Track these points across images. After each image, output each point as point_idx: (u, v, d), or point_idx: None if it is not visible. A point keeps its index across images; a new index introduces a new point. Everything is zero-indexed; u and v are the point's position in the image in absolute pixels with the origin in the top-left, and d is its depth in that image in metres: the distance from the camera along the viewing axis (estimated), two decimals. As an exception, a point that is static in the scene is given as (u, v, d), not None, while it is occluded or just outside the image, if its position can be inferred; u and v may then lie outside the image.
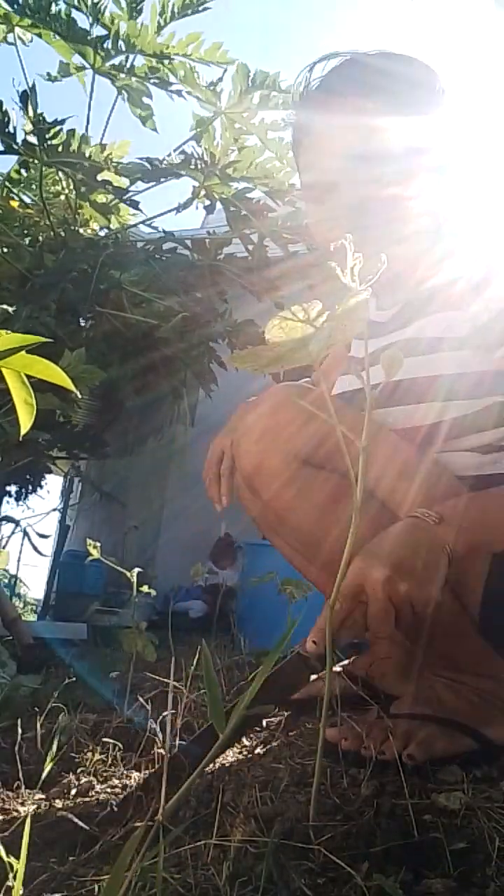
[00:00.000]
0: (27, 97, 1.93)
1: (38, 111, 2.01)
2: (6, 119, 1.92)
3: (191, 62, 2.07)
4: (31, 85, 2.06)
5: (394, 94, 0.87)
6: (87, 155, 2.06)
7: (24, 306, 1.76)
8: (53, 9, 1.98)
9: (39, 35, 2.08)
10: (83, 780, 0.87)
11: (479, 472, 0.87)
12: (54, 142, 1.95)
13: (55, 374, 0.44)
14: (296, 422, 0.86)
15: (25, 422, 0.46)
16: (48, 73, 2.21)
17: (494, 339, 0.83)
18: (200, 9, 2.05)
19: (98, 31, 2.06)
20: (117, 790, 0.83)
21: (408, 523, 0.76)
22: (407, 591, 0.69)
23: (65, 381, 0.44)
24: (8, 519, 2.65)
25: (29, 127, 1.99)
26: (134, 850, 0.39)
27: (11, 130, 1.95)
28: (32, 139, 1.95)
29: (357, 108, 0.86)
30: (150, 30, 2.03)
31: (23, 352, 0.43)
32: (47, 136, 1.91)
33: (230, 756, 0.94)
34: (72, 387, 0.44)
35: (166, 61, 2.07)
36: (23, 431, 0.46)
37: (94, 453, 2.58)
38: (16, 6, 1.98)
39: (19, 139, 1.98)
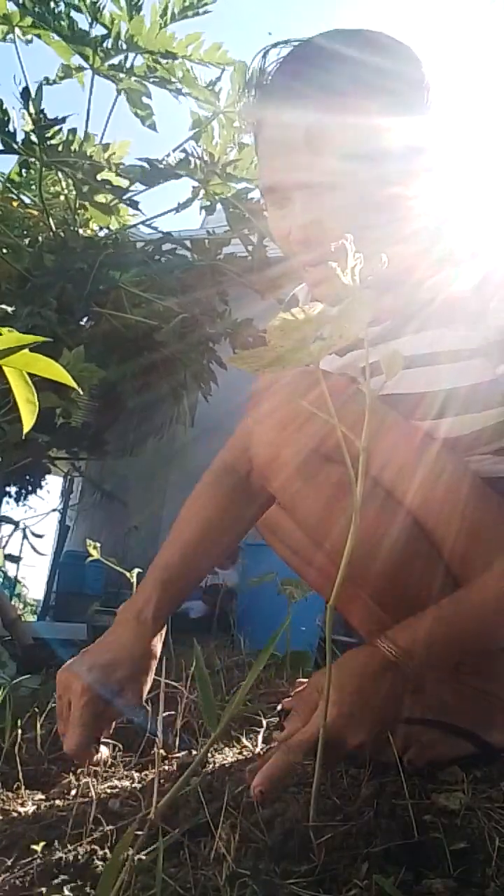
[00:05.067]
0: (28, 94, 1.93)
1: (39, 111, 2.01)
2: (6, 118, 1.92)
3: (190, 63, 2.08)
4: (25, 86, 2.06)
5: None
6: (88, 154, 2.05)
7: (24, 306, 1.76)
8: (52, 6, 1.98)
9: (39, 35, 2.08)
10: (83, 780, 0.87)
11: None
12: (54, 141, 1.95)
13: (57, 372, 0.44)
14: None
15: (28, 420, 0.46)
16: (47, 78, 2.21)
17: (491, 344, 0.82)
18: (201, 11, 2.05)
19: (97, 30, 2.06)
20: (117, 790, 0.83)
21: (385, 670, 0.73)
22: (359, 748, 0.71)
23: (66, 378, 0.44)
24: (6, 520, 2.65)
25: (29, 126, 1.98)
26: (126, 849, 0.39)
27: (11, 130, 1.95)
28: (33, 138, 1.95)
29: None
30: (150, 28, 2.03)
31: (24, 350, 0.43)
32: (47, 136, 1.91)
33: (230, 756, 0.94)
34: (73, 384, 0.44)
35: (165, 61, 2.07)
36: (25, 430, 0.46)
37: (94, 453, 2.58)
38: (18, 4, 1.98)
39: (19, 139, 1.98)
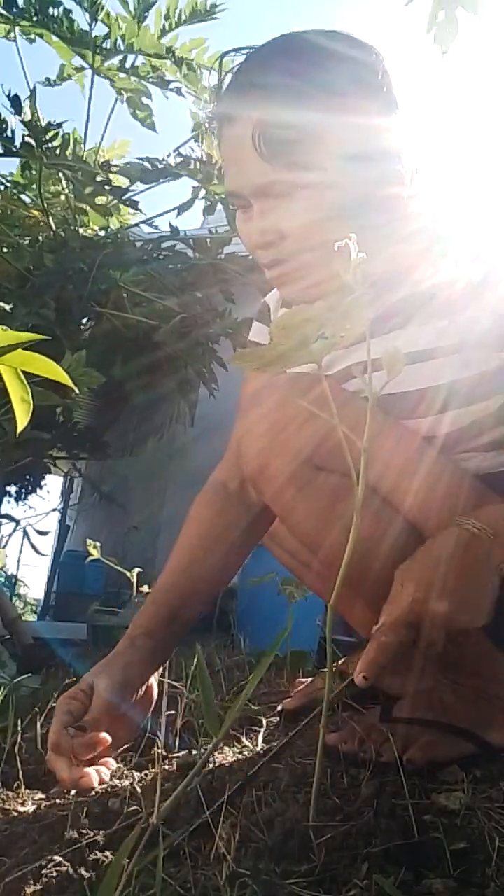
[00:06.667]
0: (19, 101, 1.92)
1: (34, 114, 2.01)
2: (4, 123, 1.92)
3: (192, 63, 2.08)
4: (32, 88, 2.06)
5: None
6: (83, 158, 2.06)
7: (23, 306, 1.76)
8: (52, 11, 1.98)
9: (41, 35, 2.08)
10: (83, 779, 0.87)
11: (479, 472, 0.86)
12: (53, 144, 1.95)
13: (53, 370, 0.44)
14: (304, 416, 0.83)
15: (22, 419, 0.46)
16: (47, 79, 2.21)
17: (493, 342, 0.82)
18: (209, 18, 2.04)
19: (98, 30, 2.06)
20: (117, 790, 0.83)
21: (461, 541, 0.72)
22: (464, 623, 0.69)
23: (63, 377, 0.44)
24: (7, 517, 2.65)
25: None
26: (129, 851, 0.39)
27: (10, 134, 1.95)
28: (30, 141, 1.95)
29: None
30: (150, 31, 2.03)
31: (20, 349, 0.43)
32: (44, 139, 1.91)
33: (230, 756, 0.94)
34: (70, 383, 0.44)
35: (167, 62, 2.07)
36: (19, 429, 0.46)
37: (95, 453, 2.58)
38: (15, 10, 1.98)
39: (18, 142, 1.98)
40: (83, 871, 0.61)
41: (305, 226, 0.82)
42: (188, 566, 0.96)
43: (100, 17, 2.02)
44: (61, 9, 1.98)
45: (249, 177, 0.83)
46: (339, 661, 1.09)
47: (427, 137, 0.87)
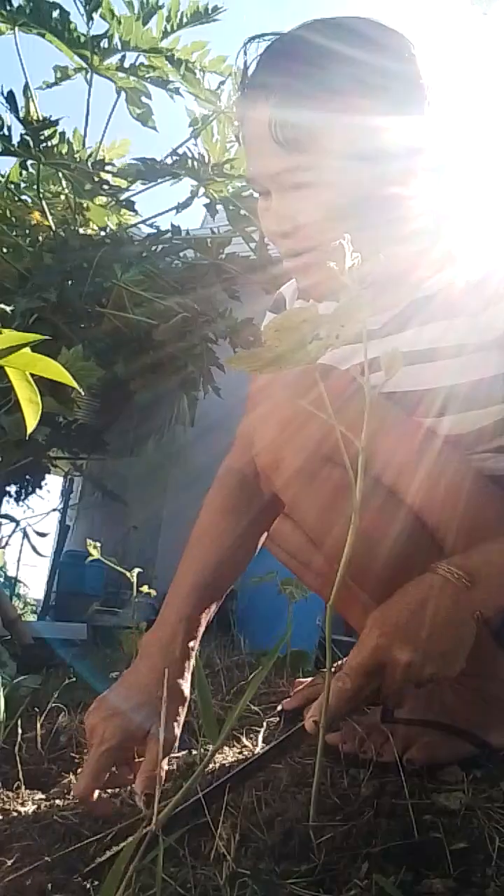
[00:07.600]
0: (14, 98, 1.92)
1: (31, 112, 2.00)
2: (0, 121, 1.92)
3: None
4: (24, 84, 2.06)
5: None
6: (79, 156, 2.05)
7: (24, 298, 1.76)
8: (49, 9, 1.98)
9: (43, 35, 2.08)
10: (83, 780, 0.86)
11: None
12: (52, 142, 1.95)
13: (57, 371, 0.44)
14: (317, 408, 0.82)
15: (31, 421, 0.46)
16: (45, 82, 2.21)
17: (493, 341, 0.82)
18: (210, 20, 2.05)
19: (95, 29, 2.06)
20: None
21: (435, 587, 0.70)
22: (431, 673, 0.67)
23: (66, 377, 0.44)
24: (7, 517, 2.65)
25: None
26: (130, 856, 0.39)
27: (6, 132, 1.95)
28: (27, 140, 1.95)
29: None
30: (150, 30, 2.03)
31: (24, 350, 0.43)
32: (42, 137, 1.91)
33: (230, 756, 0.94)
34: (74, 384, 0.44)
35: (167, 61, 2.07)
36: (29, 430, 0.46)
37: (95, 452, 2.58)
38: (15, 12, 1.98)
39: (15, 140, 1.98)
40: (83, 872, 0.61)
41: (318, 221, 0.83)
42: (217, 566, 0.91)
43: (97, 14, 2.01)
44: (58, 12, 1.99)
45: (268, 166, 0.84)
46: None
47: (452, 130, 0.86)
